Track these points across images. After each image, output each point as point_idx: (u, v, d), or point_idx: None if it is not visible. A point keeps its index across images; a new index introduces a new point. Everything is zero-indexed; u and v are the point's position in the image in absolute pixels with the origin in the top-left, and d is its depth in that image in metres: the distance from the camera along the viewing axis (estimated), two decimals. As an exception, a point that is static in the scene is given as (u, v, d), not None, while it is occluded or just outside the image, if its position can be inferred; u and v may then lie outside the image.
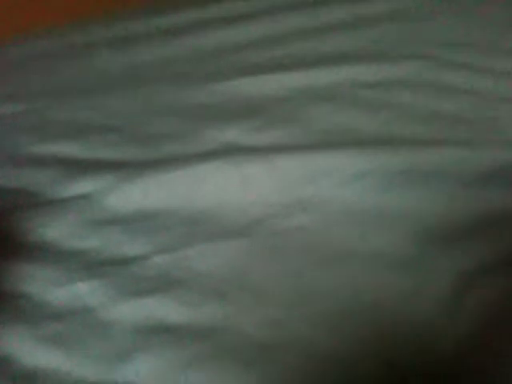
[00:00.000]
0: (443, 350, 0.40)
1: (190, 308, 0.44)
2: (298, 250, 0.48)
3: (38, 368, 0.41)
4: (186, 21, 0.73)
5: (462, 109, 0.59)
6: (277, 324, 0.43)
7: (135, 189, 0.52)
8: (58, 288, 0.46)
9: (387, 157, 0.54)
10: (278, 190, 0.52)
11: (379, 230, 0.48)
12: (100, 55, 0.68)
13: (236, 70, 0.64)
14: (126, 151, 0.56)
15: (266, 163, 0.53)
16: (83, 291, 0.45)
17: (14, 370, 0.41)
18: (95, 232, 0.50)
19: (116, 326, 0.43)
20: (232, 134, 0.57)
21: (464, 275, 0.44)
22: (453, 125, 0.58)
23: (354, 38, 0.70)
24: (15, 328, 0.43)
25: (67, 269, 0.47)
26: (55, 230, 0.50)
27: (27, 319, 0.44)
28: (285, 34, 0.70)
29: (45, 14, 0.74)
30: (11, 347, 0.42)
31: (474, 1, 0.75)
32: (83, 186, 0.53)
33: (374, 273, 0.46)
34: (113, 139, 0.57)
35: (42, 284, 0.46)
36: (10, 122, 0.61)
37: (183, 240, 0.49)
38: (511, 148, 0.54)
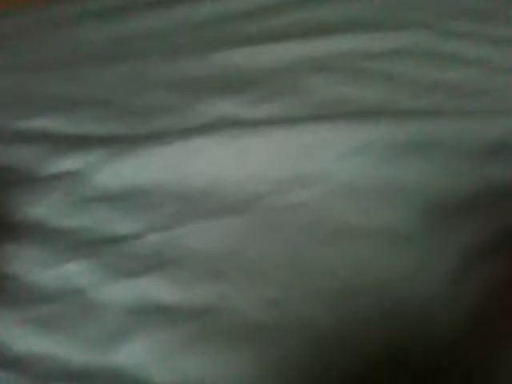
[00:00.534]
0: (444, 330, 0.39)
1: (184, 288, 0.43)
2: (298, 226, 0.46)
3: (26, 353, 0.40)
4: None
5: (465, 79, 0.58)
6: (275, 303, 0.42)
7: (126, 164, 0.50)
8: (45, 269, 0.44)
9: (389, 129, 0.52)
10: (276, 165, 0.50)
11: (381, 205, 0.47)
12: (88, 27, 0.66)
13: (231, 41, 0.62)
14: (115, 126, 0.54)
15: (264, 137, 0.52)
16: (72, 272, 0.44)
17: (0, 354, 0.39)
18: (84, 210, 0.48)
19: (107, 307, 0.42)
20: (227, 107, 0.55)
21: (466, 252, 0.43)
22: (456, 95, 0.56)
23: (353, 7, 0.68)
24: (1, 311, 0.42)
25: (55, 249, 0.45)
26: (42, 209, 0.48)
27: (13, 302, 0.42)
28: (282, 4, 0.68)
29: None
30: (-4, 331, 0.40)
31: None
32: (71, 162, 0.51)
33: (376, 249, 0.44)
34: (101, 113, 0.55)
35: (28, 265, 0.44)
36: (-6, 96, 0.59)
37: (177, 217, 0.47)
38: None
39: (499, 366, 0.38)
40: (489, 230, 0.45)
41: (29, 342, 0.40)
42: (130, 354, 0.39)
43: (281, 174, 0.50)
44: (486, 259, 0.43)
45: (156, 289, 0.43)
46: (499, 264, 0.43)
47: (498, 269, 0.42)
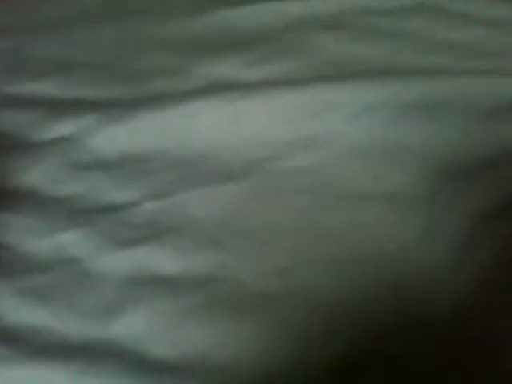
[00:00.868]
0: (450, 297, 0.39)
1: (183, 257, 0.42)
2: (301, 192, 0.45)
3: (21, 325, 0.39)
4: None
5: (475, 38, 0.56)
6: (278, 272, 0.41)
7: (121, 130, 0.49)
8: (40, 238, 0.43)
9: (397, 88, 0.50)
10: (278, 128, 0.49)
11: (391, 168, 0.46)
12: None
13: None
14: (109, 89, 0.52)
15: (264, 99, 0.50)
16: (68, 241, 0.43)
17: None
18: (79, 177, 0.46)
19: (105, 277, 0.41)
20: (226, 68, 0.53)
21: (473, 217, 0.42)
22: (467, 55, 0.54)
23: None
24: (-6, 282, 0.40)
25: (50, 217, 0.44)
26: (36, 176, 0.47)
27: (7, 272, 0.41)
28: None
29: None
30: (-11, 302, 0.39)
31: None
32: (65, 127, 0.49)
33: (382, 214, 0.43)
34: (95, 76, 0.53)
35: (22, 234, 0.43)
36: (-17, 60, 0.57)
37: (175, 184, 0.46)
38: None
39: (501, 334, 0.37)
40: (497, 194, 0.44)
41: (24, 313, 0.39)
42: (128, 325, 0.38)
43: (282, 138, 0.48)
44: (493, 224, 0.42)
45: (154, 258, 0.41)
46: (506, 230, 0.42)
47: (505, 234, 0.41)
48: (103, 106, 0.50)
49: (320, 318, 0.38)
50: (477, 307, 0.38)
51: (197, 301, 0.39)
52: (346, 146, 0.47)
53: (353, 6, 0.58)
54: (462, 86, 0.50)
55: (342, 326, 0.38)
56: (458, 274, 0.40)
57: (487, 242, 0.41)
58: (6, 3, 0.61)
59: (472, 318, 0.38)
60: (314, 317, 0.38)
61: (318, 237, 0.42)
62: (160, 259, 0.41)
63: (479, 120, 0.48)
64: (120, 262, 0.41)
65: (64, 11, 0.60)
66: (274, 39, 0.56)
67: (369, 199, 0.44)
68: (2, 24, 0.60)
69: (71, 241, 0.42)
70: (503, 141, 0.47)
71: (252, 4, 0.59)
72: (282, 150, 0.47)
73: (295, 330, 0.38)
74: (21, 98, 0.52)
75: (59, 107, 0.51)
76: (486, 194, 0.44)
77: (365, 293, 0.39)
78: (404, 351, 0.37)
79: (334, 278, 0.40)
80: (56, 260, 0.42)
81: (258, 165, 0.47)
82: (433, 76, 0.51)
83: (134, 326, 0.38)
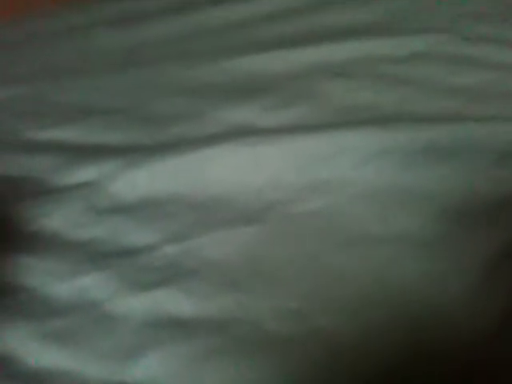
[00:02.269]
0: (467, 338, 0.39)
1: (202, 300, 0.42)
2: (316, 234, 0.46)
3: (42, 368, 0.39)
4: None
5: (484, 83, 0.57)
6: (294, 314, 0.41)
7: (142, 174, 0.50)
8: (61, 281, 0.44)
9: (407, 134, 0.51)
10: (293, 172, 0.50)
11: (401, 212, 0.46)
12: (100, 35, 0.66)
13: (244, 47, 0.62)
14: (130, 135, 0.54)
15: (280, 144, 0.51)
16: (88, 284, 0.43)
17: (15, 370, 0.39)
18: (100, 221, 0.47)
19: (124, 320, 0.41)
20: (243, 114, 0.55)
21: (489, 259, 0.43)
22: (476, 100, 0.55)
23: (367, 11, 0.67)
24: (16, 325, 0.41)
25: (71, 261, 0.45)
26: (58, 220, 0.47)
27: (29, 315, 0.42)
28: (294, 9, 0.67)
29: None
30: (12, 346, 0.40)
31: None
32: (86, 172, 0.50)
33: (397, 256, 0.44)
34: (117, 122, 0.55)
35: (44, 277, 0.44)
36: (8, 106, 0.58)
37: (194, 228, 0.47)
38: None
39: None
40: (505, 235, 0.44)
41: (45, 356, 0.39)
42: (147, 368, 0.39)
43: (297, 182, 0.49)
44: (505, 266, 0.42)
45: (173, 301, 0.42)
46: None
47: None
48: (124, 151, 0.52)
49: (332, 360, 0.38)
50: (496, 346, 0.38)
51: (214, 344, 0.40)
52: (357, 190, 0.48)
53: (363, 53, 0.60)
54: (471, 131, 0.51)
55: (356, 369, 0.38)
56: (473, 316, 0.40)
57: (500, 283, 0.41)
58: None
59: (493, 357, 0.38)
60: (327, 358, 0.39)
61: (330, 278, 0.43)
62: (179, 302, 0.42)
63: (487, 164, 0.49)
64: (139, 305, 0.42)
65: (86, 57, 0.62)
66: (288, 86, 0.57)
67: (378, 241, 0.45)
68: (24, 70, 0.62)
69: (92, 284, 0.43)
70: (510, 184, 0.48)
71: (266, 52, 0.61)
72: (296, 194, 0.48)
73: (308, 372, 0.38)
74: (43, 144, 0.54)
75: (81, 153, 0.52)
76: (494, 236, 0.44)
77: (377, 335, 0.39)
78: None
79: (346, 319, 0.40)
80: (77, 303, 0.42)
81: (273, 208, 0.48)
82: (441, 121, 0.53)
83: (153, 369, 0.38)
